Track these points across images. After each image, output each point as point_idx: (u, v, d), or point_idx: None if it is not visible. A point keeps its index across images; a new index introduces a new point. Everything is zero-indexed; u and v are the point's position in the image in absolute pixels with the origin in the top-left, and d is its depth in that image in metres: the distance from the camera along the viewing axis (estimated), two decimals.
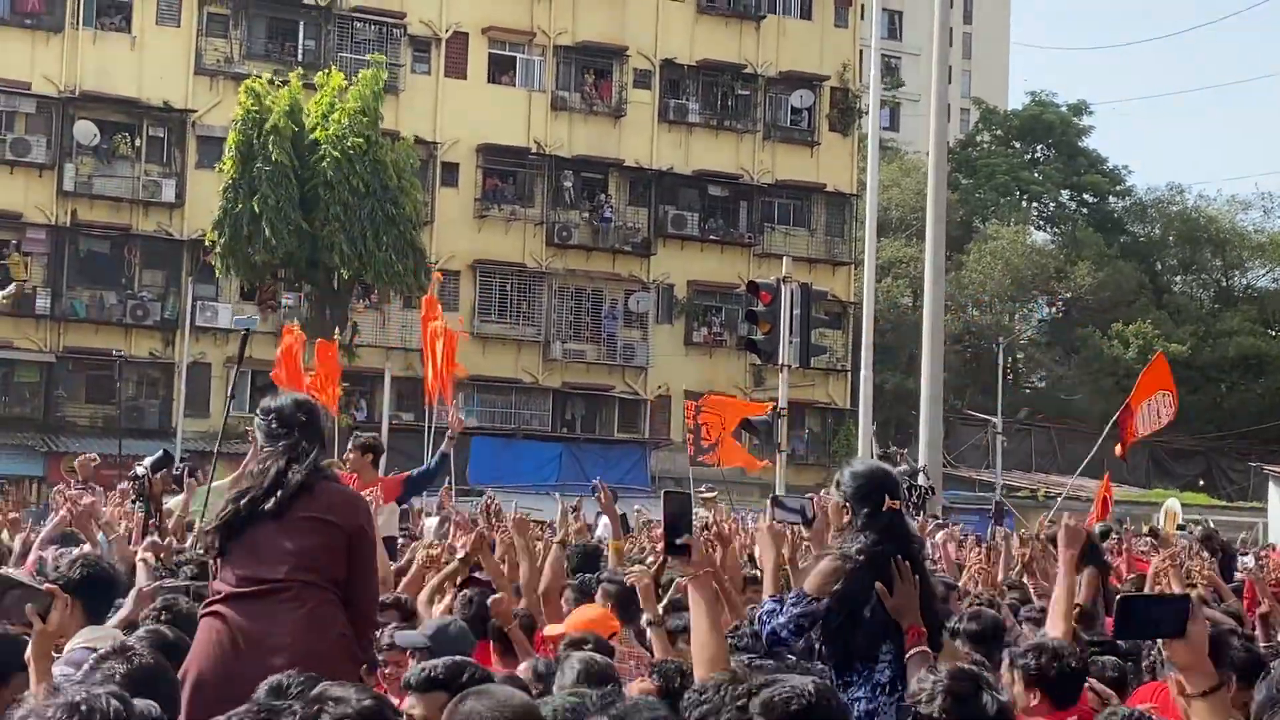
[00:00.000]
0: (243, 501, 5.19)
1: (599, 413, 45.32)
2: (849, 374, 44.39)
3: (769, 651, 5.48)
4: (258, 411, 5.51)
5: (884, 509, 5.18)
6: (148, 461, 10.48)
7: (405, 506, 13.21)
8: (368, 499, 6.10)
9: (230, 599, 5.13)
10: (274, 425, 5.35)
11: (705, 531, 7.12)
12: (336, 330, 29.38)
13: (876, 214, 28.68)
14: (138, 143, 41.20)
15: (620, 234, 45.60)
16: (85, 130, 39.96)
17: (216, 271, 37.67)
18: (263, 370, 38.20)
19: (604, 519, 18.89)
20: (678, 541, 4.56)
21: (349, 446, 10.25)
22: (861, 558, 5.07)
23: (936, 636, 5.16)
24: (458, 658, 4.68)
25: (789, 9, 48.35)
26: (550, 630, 6.46)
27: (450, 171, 43.88)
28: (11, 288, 12.76)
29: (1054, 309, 60.27)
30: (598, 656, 5.26)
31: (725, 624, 5.31)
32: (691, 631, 4.60)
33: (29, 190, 39.73)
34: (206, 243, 37.73)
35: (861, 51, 47.86)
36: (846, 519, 5.21)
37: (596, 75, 46.22)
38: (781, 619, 5.05)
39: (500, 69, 44.97)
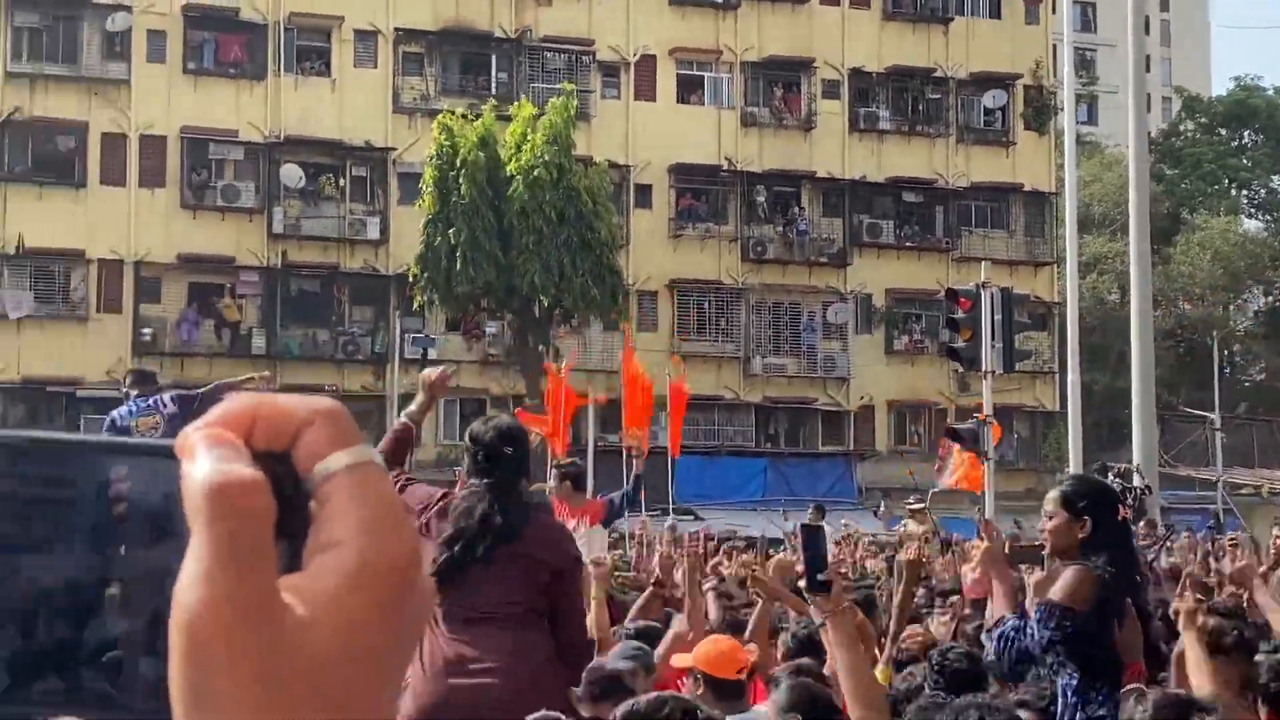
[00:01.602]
0: (456, 548, 5.32)
1: (802, 426, 45.13)
2: (1056, 376, 43.45)
3: (1012, 671, 5.39)
4: (467, 437, 5.66)
5: (1119, 519, 5.16)
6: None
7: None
8: (575, 524, 6.21)
9: (440, 625, 5.29)
10: (479, 458, 5.46)
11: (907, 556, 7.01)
12: (555, 354, 29.61)
13: (1077, 211, 28.10)
14: (342, 183, 42.43)
15: (815, 246, 45.42)
16: (291, 173, 41.30)
17: (417, 304, 38.54)
18: (468, 399, 39.12)
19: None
20: (819, 578, 4.43)
21: (551, 475, 10.41)
22: (1112, 569, 5.03)
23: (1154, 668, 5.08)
24: (662, 693, 4.73)
25: (977, 9, 47.68)
26: (678, 661, 6.38)
27: (644, 193, 44.24)
28: (251, 380, 13.07)
29: (1271, 298, 58.21)
30: (814, 685, 5.24)
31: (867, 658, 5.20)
32: (840, 672, 4.49)
33: (241, 234, 41.18)
34: (410, 277, 38.65)
35: (1054, 46, 46.90)
36: (1083, 534, 5.15)
37: (785, 89, 46.17)
38: (1035, 635, 4.99)
39: (689, 89, 45.23)
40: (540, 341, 38.60)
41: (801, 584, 4.52)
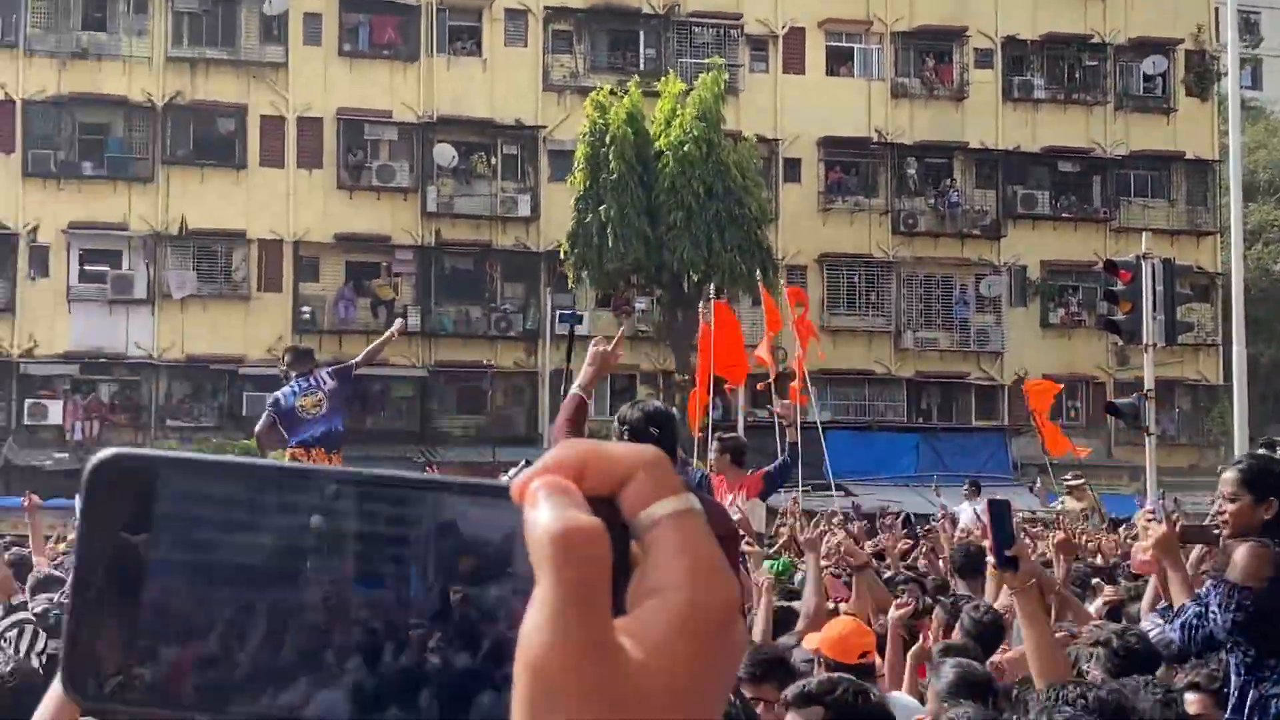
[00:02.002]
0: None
1: (955, 401, 44.57)
2: (1220, 348, 42.28)
3: (1199, 656, 5.29)
4: (616, 420, 5.68)
5: None
6: (512, 473, 10.88)
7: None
8: (733, 498, 6.20)
9: None
10: (625, 438, 5.46)
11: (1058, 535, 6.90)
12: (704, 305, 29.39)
13: (1241, 178, 27.25)
14: (493, 161, 42.83)
15: (968, 218, 44.74)
16: (444, 153, 41.81)
17: (569, 281, 38.76)
18: (618, 375, 39.27)
19: (966, 508, 18.58)
20: (1007, 554, 4.39)
21: (711, 449, 10.40)
22: None
23: None
24: (832, 675, 4.71)
25: None
26: (808, 643, 6.29)
27: (792, 167, 43.96)
28: (391, 337, 13.41)
29: None
30: (975, 665, 5.18)
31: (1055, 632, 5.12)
32: (1027, 648, 4.47)
33: (395, 213, 41.81)
34: (560, 254, 38.88)
35: (1217, 10, 45.52)
36: (1269, 515, 5.00)
37: (936, 59, 45.50)
38: (1219, 620, 4.89)
39: (838, 60, 44.80)
40: (690, 317, 38.60)
41: (990, 561, 4.48)
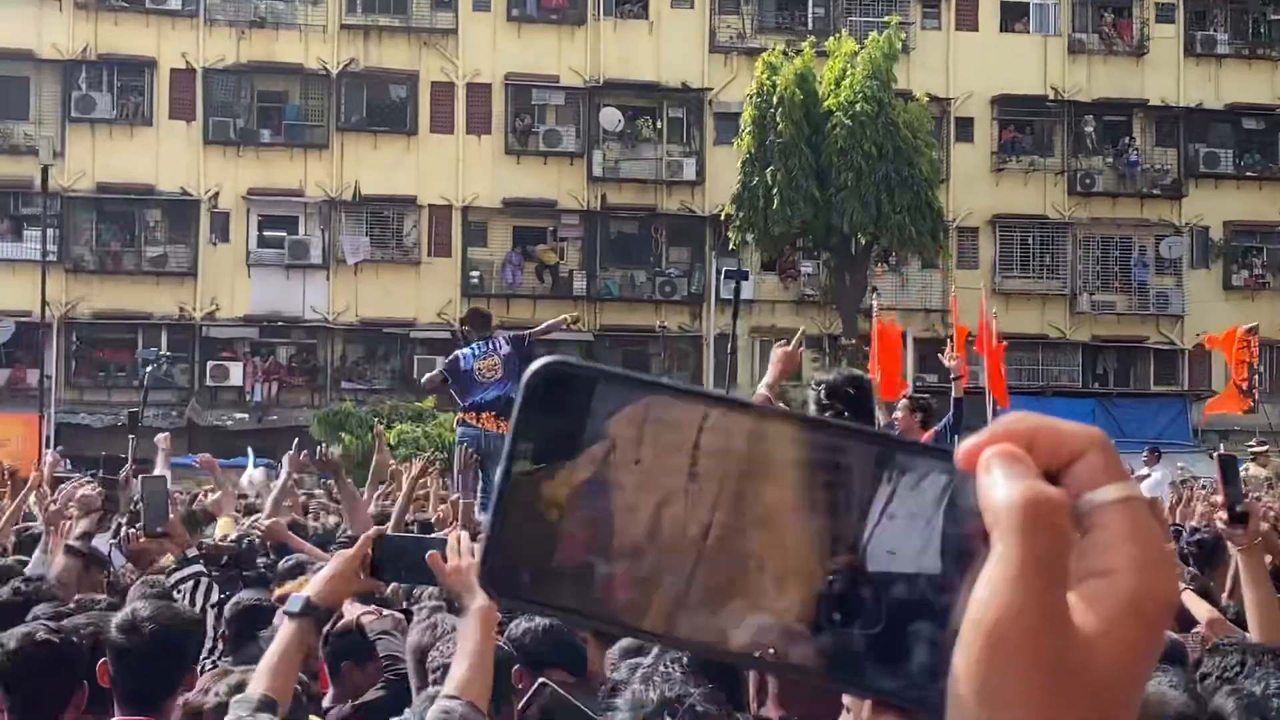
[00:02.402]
0: None
1: (1133, 365, 43.45)
2: None
3: None
4: (810, 383, 5.67)
5: None
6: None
7: None
8: None
9: None
10: (822, 396, 5.43)
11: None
12: (873, 293, 29.11)
13: None
14: (659, 125, 42.78)
15: (1147, 177, 43.48)
16: (610, 117, 41.88)
17: (732, 245, 38.57)
18: (784, 336, 38.99)
19: (1150, 475, 18.06)
20: (1237, 509, 4.37)
21: (899, 405, 10.27)
22: None
23: None
24: None
25: None
26: None
27: (965, 126, 43.13)
28: (565, 320, 13.72)
29: None
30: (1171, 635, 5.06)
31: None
32: (1248, 606, 4.44)
33: (562, 178, 42.03)
34: (725, 217, 38.71)
35: None
36: None
37: (1115, 14, 44.21)
38: None
39: (1013, 16, 43.77)
40: (857, 280, 38.19)
41: (1222, 516, 4.45)
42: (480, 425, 11.83)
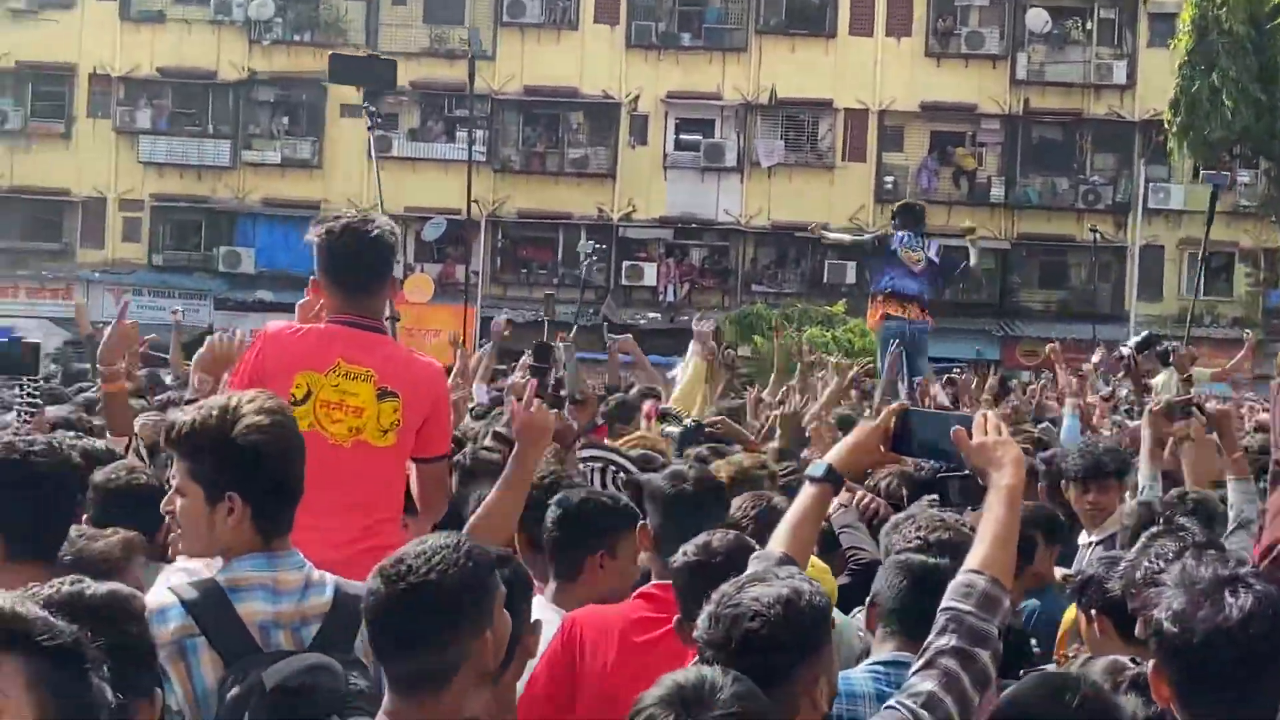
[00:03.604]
0: None
1: None
2: None
3: None
4: None
5: None
6: (1132, 342, 10.82)
7: None
8: None
9: None
10: None
11: None
12: None
13: None
14: (1089, 26, 40.95)
15: None
16: (1037, 18, 40.30)
17: (1168, 152, 36.57)
18: (1215, 253, 36.91)
19: None
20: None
21: None
22: None
23: None
24: None
25: None
26: None
27: None
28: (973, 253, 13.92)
29: None
30: None
31: None
32: None
33: (982, 81, 40.83)
34: (1164, 122, 36.69)
35: None
36: None
37: None
38: None
39: None
40: None
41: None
42: (905, 315, 12.13)
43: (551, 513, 4.35)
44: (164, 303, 38.66)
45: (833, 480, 3.43)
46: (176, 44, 40.98)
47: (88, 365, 10.96)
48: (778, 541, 3.34)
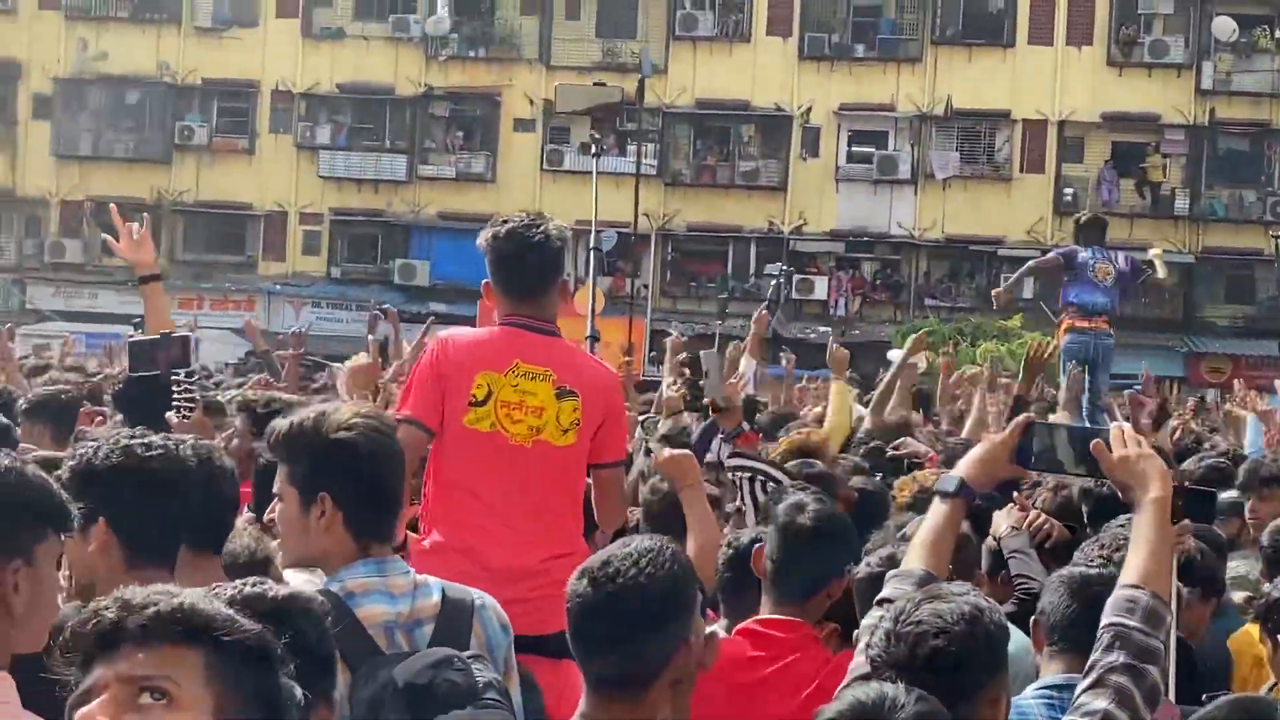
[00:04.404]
0: None
1: None
2: None
3: None
4: None
5: None
6: None
7: None
8: None
9: None
10: None
11: None
12: None
13: None
14: (1277, 34, 39.67)
15: None
16: (1224, 26, 39.09)
17: None
18: None
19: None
20: None
21: None
22: None
23: None
24: None
25: None
26: None
27: None
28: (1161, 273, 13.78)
29: None
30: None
31: None
32: None
33: (1166, 91, 39.78)
34: None
35: None
36: None
37: None
38: None
39: None
40: None
41: None
42: (1093, 329, 11.94)
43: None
44: (342, 314, 39.56)
45: (965, 494, 3.41)
46: (355, 61, 41.84)
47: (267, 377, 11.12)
48: (915, 558, 3.32)
